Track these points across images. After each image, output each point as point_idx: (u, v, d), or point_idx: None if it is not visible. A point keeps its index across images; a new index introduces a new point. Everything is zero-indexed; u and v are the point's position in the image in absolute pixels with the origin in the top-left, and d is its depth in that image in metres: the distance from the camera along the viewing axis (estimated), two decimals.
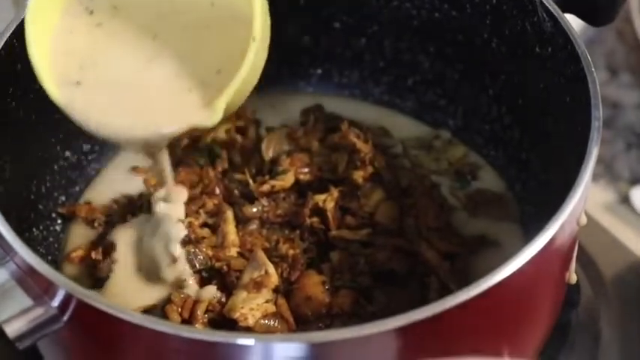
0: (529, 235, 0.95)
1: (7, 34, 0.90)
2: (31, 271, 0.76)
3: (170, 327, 0.72)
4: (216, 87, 0.81)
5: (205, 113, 0.81)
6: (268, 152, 1.02)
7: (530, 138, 1.00)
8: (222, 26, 0.84)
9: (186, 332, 0.72)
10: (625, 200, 1.19)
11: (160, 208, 0.93)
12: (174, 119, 0.82)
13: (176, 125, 0.82)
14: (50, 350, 0.84)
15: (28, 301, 0.76)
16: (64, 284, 0.75)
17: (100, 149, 1.05)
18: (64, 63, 0.84)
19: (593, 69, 0.85)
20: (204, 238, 0.93)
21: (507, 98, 1.01)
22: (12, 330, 0.75)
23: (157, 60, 0.84)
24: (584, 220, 0.84)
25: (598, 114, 0.82)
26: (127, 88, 0.83)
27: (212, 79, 0.82)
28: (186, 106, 0.82)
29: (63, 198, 1.01)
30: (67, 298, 0.75)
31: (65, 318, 0.76)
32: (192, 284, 0.91)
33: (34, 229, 0.96)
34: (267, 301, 0.89)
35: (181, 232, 0.92)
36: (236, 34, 0.82)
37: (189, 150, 1.03)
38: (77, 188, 1.03)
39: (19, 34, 0.90)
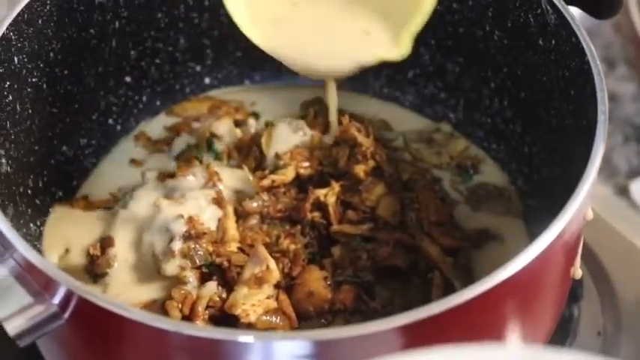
0: (532, 230, 0.96)
1: (4, 27, 0.89)
2: (30, 268, 0.76)
3: (173, 324, 0.72)
4: (400, 21, 0.86)
5: (394, 48, 0.87)
6: (268, 146, 1.01)
7: (532, 131, 0.99)
8: None
9: (190, 330, 0.71)
10: (623, 193, 1.19)
11: (159, 202, 0.92)
12: (366, 53, 0.88)
13: (369, 58, 0.88)
14: (50, 348, 0.83)
15: (27, 299, 0.75)
16: (65, 281, 0.74)
17: (96, 143, 1.04)
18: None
19: (598, 62, 0.85)
20: (204, 233, 0.92)
21: (509, 91, 1.00)
22: (12, 328, 0.74)
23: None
24: (590, 214, 0.84)
25: (604, 107, 0.82)
26: (322, 27, 0.87)
27: (394, 15, 0.87)
28: (377, 41, 0.87)
29: (60, 193, 1.00)
30: (68, 295, 0.74)
31: (66, 315, 0.75)
32: (192, 280, 0.90)
33: (32, 225, 0.95)
34: (268, 297, 0.88)
35: (181, 227, 0.91)
36: None
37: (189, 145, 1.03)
38: (74, 183, 1.02)
39: (16, 26, 0.90)
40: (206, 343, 0.70)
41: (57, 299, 0.75)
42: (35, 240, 0.95)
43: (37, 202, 0.97)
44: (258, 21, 0.86)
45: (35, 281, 0.76)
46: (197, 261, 0.91)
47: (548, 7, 0.90)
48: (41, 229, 0.97)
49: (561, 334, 0.95)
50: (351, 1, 0.86)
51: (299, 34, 0.86)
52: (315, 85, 1.03)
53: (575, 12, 0.90)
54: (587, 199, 0.78)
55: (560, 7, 0.89)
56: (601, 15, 0.92)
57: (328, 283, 0.90)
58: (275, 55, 0.88)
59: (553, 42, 0.91)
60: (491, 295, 0.72)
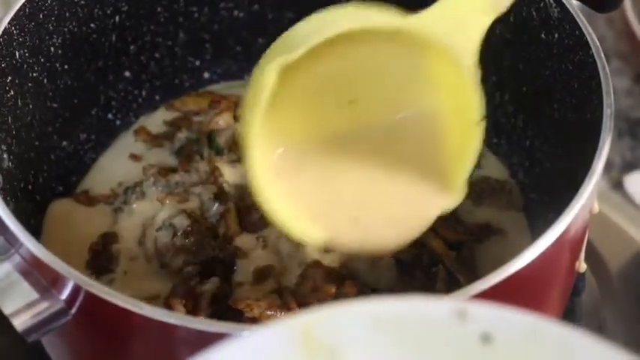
0: (534, 224, 0.96)
1: (6, 22, 0.88)
2: (37, 263, 0.75)
3: (182, 319, 0.72)
4: (441, 165, 0.82)
5: (449, 195, 0.83)
6: None
7: (534, 126, 0.99)
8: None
9: (199, 324, 0.71)
10: (617, 187, 1.19)
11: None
12: (429, 211, 0.83)
13: (424, 224, 0.83)
14: (55, 345, 0.83)
15: (33, 294, 0.75)
16: (73, 276, 0.73)
17: (96, 138, 1.04)
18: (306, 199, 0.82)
19: (602, 55, 0.85)
20: (207, 228, 0.92)
21: (511, 86, 1.00)
22: (17, 324, 0.73)
23: (377, 174, 0.83)
24: (596, 208, 0.84)
25: (610, 101, 0.82)
26: (362, 206, 0.82)
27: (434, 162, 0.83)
28: (430, 196, 0.83)
29: (60, 188, 1.00)
30: (75, 291, 0.74)
31: (73, 311, 0.75)
32: (196, 275, 0.90)
33: (32, 220, 0.94)
34: (272, 292, 0.88)
35: (184, 222, 0.91)
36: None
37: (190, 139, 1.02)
38: (74, 178, 1.02)
39: (17, 21, 0.89)
40: (214, 338, 0.70)
41: (64, 295, 0.74)
42: (35, 235, 0.94)
43: (38, 197, 0.96)
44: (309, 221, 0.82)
45: (42, 277, 0.75)
46: (200, 256, 0.90)
47: (551, 1, 0.90)
48: (41, 224, 0.97)
49: None
50: (388, 169, 0.83)
51: (355, 213, 0.82)
52: None
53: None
54: (593, 192, 0.78)
55: (563, 0, 0.89)
56: (603, 8, 0.92)
57: (332, 277, 0.90)
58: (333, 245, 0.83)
59: (556, 35, 0.91)
60: (498, 288, 0.72)
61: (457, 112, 0.82)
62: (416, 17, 0.80)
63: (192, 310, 0.87)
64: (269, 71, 0.75)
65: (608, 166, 1.20)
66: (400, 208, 0.82)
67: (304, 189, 0.81)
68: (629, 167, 1.20)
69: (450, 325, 0.51)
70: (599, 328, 0.98)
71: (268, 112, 0.77)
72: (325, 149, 0.83)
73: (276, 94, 0.76)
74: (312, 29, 0.79)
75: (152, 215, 0.93)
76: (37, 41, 0.93)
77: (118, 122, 1.06)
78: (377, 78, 0.82)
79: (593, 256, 1.03)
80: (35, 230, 0.95)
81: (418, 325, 0.51)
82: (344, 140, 0.83)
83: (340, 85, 0.81)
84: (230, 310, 0.87)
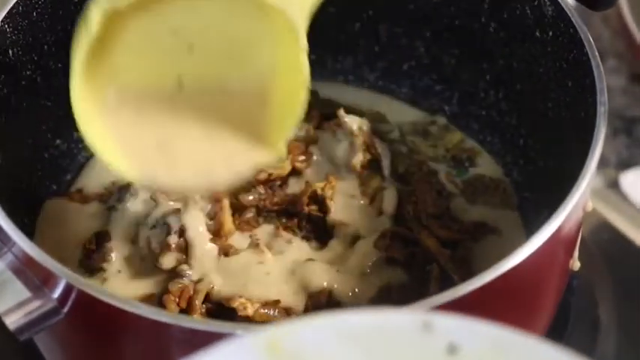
0: (528, 222, 0.96)
1: None
2: (29, 262, 0.75)
3: (176, 318, 0.72)
4: (265, 123, 0.84)
5: (267, 152, 0.83)
6: None
7: (528, 124, 0.99)
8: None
9: (191, 323, 0.71)
10: (612, 185, 1.19)
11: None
12: (242, 166, 0.83)
13: (244, 171, 0.84)
14: (47, 343, 0.83)
15: (26, 293, 0.75)
16: (65, 275, 0.73)
17: None
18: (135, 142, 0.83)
19: (597, 53, 0.85)
20: None
21: (505, 83, 1.00)
22: (9, 323, 0.73)
23: (201, 122, 0.84)
24: (590, 206, 0.84)
25: (604, 99, 0.82)
26: (192, 151, 0.84)
27: (258, 119, 0.84)
28: (247, 151, 0.83)
29: (54, 187, 1.00)
30: (68, 290, 0.73)
31: (65, 310, 0.75)
32: (189, 274, 0.90)
33: (25, 219, 0.94)
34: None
35: (178, 221, 0.91)
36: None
37: None
38: (68, 177, 1.02)
39: (10, 19, 0.89)
40: (206, 336, 0.70)
41: (56, 294, 0.74)
42: (29, 234, 0.94)
43: (31, 195, 0.96)
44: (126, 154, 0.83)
45: (34, 275, 0.75)
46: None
47: None
48: (35, 223, 0.97)
49: (557, 326, 0.95)
50: (213, 118, 0.84)
51: (169, 158, 0.83)
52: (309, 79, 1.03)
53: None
54: (587, 190, 0.78)
55: None
56: (597, 6, 0.92)
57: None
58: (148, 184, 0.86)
59: (550, 33, 0.91)
60: (491, 287, 0.72)
61: (287, 73, 0.82)
62: None
63: (186, 309, 0.87)
64: (92, 14, 0.78)
65: (604, 165, 1.19)
66: (217, 158, 0.83)
67: (125, 128, 0.83)
68: (624, 165, 1.20)
69: (416, 337, 0.51)
70: (593, 326, 0.97)
71: (97, 49, 0.79)
72: (156, 95, 0.84)
73: (105, 34, 0.78)
74: None
75: (145, 214, 0.93)
76: (31, 39, 0.93)
77: None
78: (213, 31, 0.83)
79: (588, 254, 1.02)
80: (29, 229, 0.95)
81: (385, 337, 0.51)
82: (176, 89, 0.84)
83: (177, 32, 0.82)
84: (224, 309, 0.87)
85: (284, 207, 0.96)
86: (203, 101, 0.84)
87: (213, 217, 0.92)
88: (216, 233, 0.92)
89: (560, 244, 0.80)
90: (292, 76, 0.82)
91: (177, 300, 0.88)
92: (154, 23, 0.81)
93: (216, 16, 0.82)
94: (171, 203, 0.93)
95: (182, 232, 0.90)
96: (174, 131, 0.83)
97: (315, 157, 0.98)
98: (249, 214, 0.95)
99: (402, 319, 0.52)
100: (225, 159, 0.83)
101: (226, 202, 0.94)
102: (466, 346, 0.51)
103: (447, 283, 0.88)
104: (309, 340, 0.51)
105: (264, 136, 0.83)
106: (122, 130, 0.82)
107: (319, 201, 0.94)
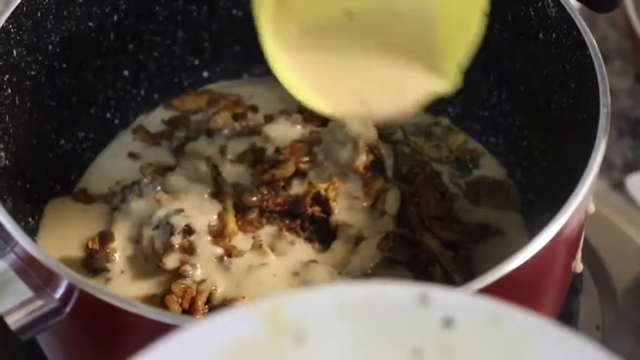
0: (531, 224, 0.96)
1: (3, 20, 0.89)
2: (32, 262, 0.75)
3: (177, 319, 0.72)
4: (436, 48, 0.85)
5: (443, 81, 0.85)
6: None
7: (531, 125, 0.99)
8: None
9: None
10: (618, 187, 1.19)
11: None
12: (417, 91, 0.85)
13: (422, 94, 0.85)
14: (49, 343, 0.83)
15: (28, 293, 0.75)
16: (67, 275, 0.74)
17: (94, 137, 1.04)
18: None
19: (600, 55, 0.85)
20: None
21: (508, 85, 1.00)
22: (11, 322, 0.73)
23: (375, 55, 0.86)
24: (592, 208, 0.84)
25: (606, 101, 0.82)
26: (364, 75, 0.86)
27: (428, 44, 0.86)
28: (419, 78, 0.85)
29: (58, 187, 1.00)
30: (70, 290, 0.74)
31: (67, 310, 0.75)
32: (192, 274, 0.90)
33: (30, 219, 0.94)
34: None
35: (181, 221, 0.91)
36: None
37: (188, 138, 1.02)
38: (72, 177, 1.02)
39: (15, 19, 0.89)
40: None
41: (58, 293, 0.75)
42: (33, 234, 0.95)
43: (35, 195, 0.96)
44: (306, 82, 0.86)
45: (36, 275, 0.76)
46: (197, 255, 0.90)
47: (549, 1, 0.90)
48: (39, 222, 0.97)
49: None
50: (384, 46, 0.86)
51: (344, 84, 0.86)
52: None
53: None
54: (589, 192, 0.78)
55: (561, 0, 0.89)
56: (601, 8, 0.92)
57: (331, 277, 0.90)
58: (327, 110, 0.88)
59: (554, 35, 0.91)
60: (494, 288, 0.72)
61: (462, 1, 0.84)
62: None
63: (189, 310, 0.87)
64: None
65: (609, 167, 1.19)
66: (397, 82, 0.85)
67: (311, 64, 0.85)
68: (630, 168, 1.20)
69: (412, 310, 0.52)
70: (597, 329, 0.97)
71: None
72: (330, 29, 0.86)
73: None
74: None
75: (149, 214, 0.93)
76: (35, 39, 0.93)
77: (116, 121, 1.06)
78: None
79: (592, 257, 1.02)
80: (33, 229, 0.95)
81: (382, 310, 0.52)
82: (346, 20, 0.86)
83: None
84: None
85: (287, 208, 0.96)
86: (373, 29, 0.85)
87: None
88: (220, 234, 0.92)
89: (561, 245, 0.80)
90: (466, 3, 0.84)
91: (179, 301, 0.88)
92: None
93: None
94: (174, 204, 0.93)
95: (185, 233, 0.91)
96: (349, 61, 0.85)
97: (319, 158, 0.98)
98: (252, 215, 0.95)
99: (399, 291, 0.53)
100: (396, 86, 0.84)
101: (230, 203, 0.94)
102: (461, 319, 0.52)
103: (449, 285, 0.88)
104: (309, 309, 0.52)
105: (437, 63, 0.85)
106: (306, 66, 0.85)
107: (322, 202, 0.94)
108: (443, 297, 0.53)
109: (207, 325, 0.52)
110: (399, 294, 0.53)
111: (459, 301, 0.53)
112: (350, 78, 0.85)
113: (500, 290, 0.72)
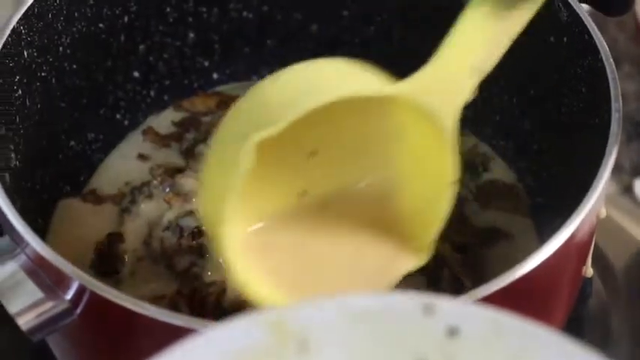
0: (540, 228, 0.96)
1: (14, 21, 0.89)
2: (42, 263, 0.75)
3: (190, 321, 0.72)
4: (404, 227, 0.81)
5: (416, 258, 0.80)
6: None
7: (541, 129, 0.99)
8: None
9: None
10: (626, 191, 1.19)
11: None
12: (391, 273, 0.80)
13: (390, 283, 0.80)
14: (59, 344, 0.83)
15: (38, 294, 0.75)
16: (78, 276, 0.74)
17: (104, 138, 1.04)
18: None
19: (611, 60, 0.85)
20: None
21: (518, 89, 1.00)
22: (22, 324, 0.73)
23: (341, 237, 0.81)
24: (603, 212, 0.84)
25: (618, 105, 0.82)
26: (327, 268, 0.80)
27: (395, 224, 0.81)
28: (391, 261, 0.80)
29: (68, 188, 1.00)
30: (81, 291, 0.74)
31: (78, 311, 0.75)
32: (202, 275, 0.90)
33: (39, 220, 0.94)
34: None
35: (192, 223, 0.91)
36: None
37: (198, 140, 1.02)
38: (82, 178, 1.02)
39: (26, 20, 0.89)
40: None
41: (69, 295, 0.74)
42: (42, 235, 0.94)
43: (45, 196, 0.96)
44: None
45: (47, 276, 0.76)
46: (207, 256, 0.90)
47: (560, 4, 0.90)
48: (48, 223, 0.97)
49: (569, 333, 0.94)
50: (353, 231, 0.80)
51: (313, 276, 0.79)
52: None
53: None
54: (601, 197, 0.78)
55: (572, 3, 0.89)
56: (612, 12, 0.92)
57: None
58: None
59: (565, 39, 0.90)
60: (503, 293, 0.72)
61: (428, 173, 0.79)
62: (405, 83, 0.78)
63: (198, 312, 0.87)
64: (247, 151, 0.69)
65: (618, 171, 1.19)
66: (365, 269, 0.80)
67: (273, 260, 0.78)
68: (638, 171, 1.20)
69: (417, 319, 0.52)
70: (606, 333, 0.97)
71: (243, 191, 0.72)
72: (292, 218, 0.80)
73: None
74: (293, 94, 0.73)
75: (159, 216, 0.93)
76: (46, 41, 0.93)
77: (126, 122, 1.06)
78: (339, 132, 0.79)
79: (601, 261, 1.02)
80: (42, 229, 0.95)
81: (387, 320, 0.52)
82: (308, 207, 0.81)
83: (301, 138, 0.76)
84: (236, 313, 0.87)
85: None
86: (333, 211, 0.81)
87: None
88: None
89: (573, 250, 0.79)
90: (437, 175, 0.78)
91: (190, 302, 0.88)
92: (283, 140, 0.72)
93: (345, 117, 0.77)
94: (184, 205, 0.93)
95: (195, 235, 0.91)
96: (319, 249, 0.80)
97: None
98: None
99: (403, 301, 0.53)
100: (376, 268, 0.80)
101: None
102: (466, 329, 0.52)
103: (458, 288, 0.88)
104: (314, 318, 0.52)
105: (410, 239, 0.80)
106: (266, 260, 0.78)
107: None
108: (447, 306, 0.53)
109: (214, 332, 0.52)
110: (403, 303, 0.53)
111: (464, 311, 0.53)
112: (314, 270, 0.79)
113: (511, 294, 0.72)
